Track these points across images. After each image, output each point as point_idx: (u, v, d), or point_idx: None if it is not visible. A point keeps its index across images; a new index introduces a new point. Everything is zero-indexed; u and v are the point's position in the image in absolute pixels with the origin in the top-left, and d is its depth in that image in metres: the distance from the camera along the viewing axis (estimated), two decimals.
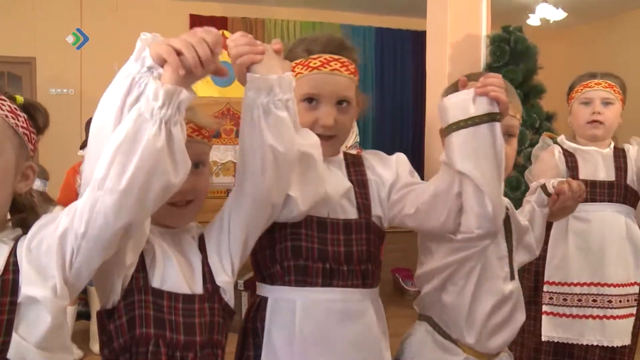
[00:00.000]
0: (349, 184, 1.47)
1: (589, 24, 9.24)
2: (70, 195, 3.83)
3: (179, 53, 1.08)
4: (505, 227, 1.56)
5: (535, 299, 2.21)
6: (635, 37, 8.43)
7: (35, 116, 1.21)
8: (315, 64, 1.43)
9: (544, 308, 2.19)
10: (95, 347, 3.62)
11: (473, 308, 1.50)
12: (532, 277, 2.24)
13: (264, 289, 1.46)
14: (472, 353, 1.53)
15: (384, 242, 1.53)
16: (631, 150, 2.28)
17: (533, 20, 7.44)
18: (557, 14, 7.20)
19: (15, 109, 1.15)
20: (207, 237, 1.36)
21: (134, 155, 1.03)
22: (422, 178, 1.49)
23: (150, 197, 1.07)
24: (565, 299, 2.16)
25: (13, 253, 1.10)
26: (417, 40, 8.83)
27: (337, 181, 1.46)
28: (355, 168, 1.52)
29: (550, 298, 2.18)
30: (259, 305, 1.45)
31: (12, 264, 1.08)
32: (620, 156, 2.24)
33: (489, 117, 1.32)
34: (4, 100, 1.14)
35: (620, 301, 2.12)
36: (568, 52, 9.42)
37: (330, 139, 1.45)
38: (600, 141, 2.26)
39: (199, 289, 1.28)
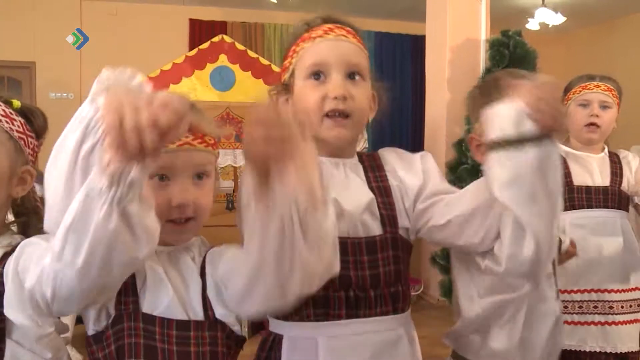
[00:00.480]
0: (371, 195, 1.25)
1: (588, 28, 9.25)
2: None
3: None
4: None
5: None
6: (635, 41, 8.44)
7: (33, 120, 1.19)
8: (318, 33, 1.23)
9: None
10: None
11: (527, 340, 1.38)
12: None
13: (277, 325, 1.24)
14: None
15: (410, 256, 1.32)
16: (630, 157, 2.26)
17: (532, 25, 7.45)
18: (556, 19, 7.21)
19: (10, 113, 1.14)
20: (207, 265, 1.18)
21: (86, 236, 0.89)
22: None
23: (114, 271, 0.94)
24: (566, 307, 2.10)
25: (3, 264, 1.06)
26: (417, 44, 8.84)
27: (356, 191, 1.25)
28: (375, 173, 1.30)
29: None
30: (272, 345, 1.24)
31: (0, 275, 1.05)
32: (615, 162, 2.22)
33: (540, 140, 1.05)
34: None
35: (622, 307, 2.10)
36: (567, 56, 9.44)
37: (344, 118, 1.21)
38: (595, 145, 2.23)
39: (198, 314, 1.12)
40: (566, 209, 2.10)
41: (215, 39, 4.89)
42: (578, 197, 2.14)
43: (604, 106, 2.16)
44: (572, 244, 1.80)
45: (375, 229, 1.23)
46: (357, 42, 1.25)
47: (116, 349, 1.06)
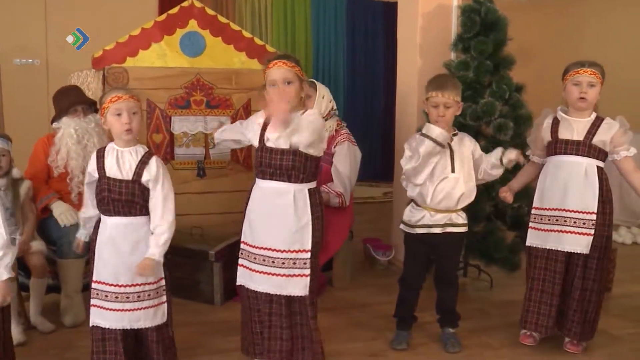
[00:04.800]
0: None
1: None
2: (38, 167, 3.76)
3: None
4: (450, 149, 3.10)
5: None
6: (605, 10, 8.50)
7: None
8: (271, 65, 2.77)
9: (530, 224, 3.31)
10: (67, 320, 3.60)
11: (430, 188, 3.10)
12: (531, 204, 3.34)
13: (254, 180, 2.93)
14: (430, 209, 3.14)
15: (309, 158, 2.78)
16: (612, 123, 3.15)
17: None
18: None
19: None
20: (144, 169, 2.67)
21: None
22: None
23: None
24: (541, 219, 3.27)
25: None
26: (388, 10, 8.82)
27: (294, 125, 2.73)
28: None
29: (534, 218, 3.31)
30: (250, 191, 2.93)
31: None
32: (596, 124, 3.16)
33: None
34: None
35: (575, 222, 3.17)
36: (538, 24, 9.47)
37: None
38: (584, 111, 3.20)
39: (128, 177, 2.63)
40: (551, 154, 3.23)
41: (185, 3, 4.80)
42: (559, 146, 3.18)
43: (591, 85, 3.11)
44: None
45: (286, 145, 2.75)
46: (289, 67, 2.75)
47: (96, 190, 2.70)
